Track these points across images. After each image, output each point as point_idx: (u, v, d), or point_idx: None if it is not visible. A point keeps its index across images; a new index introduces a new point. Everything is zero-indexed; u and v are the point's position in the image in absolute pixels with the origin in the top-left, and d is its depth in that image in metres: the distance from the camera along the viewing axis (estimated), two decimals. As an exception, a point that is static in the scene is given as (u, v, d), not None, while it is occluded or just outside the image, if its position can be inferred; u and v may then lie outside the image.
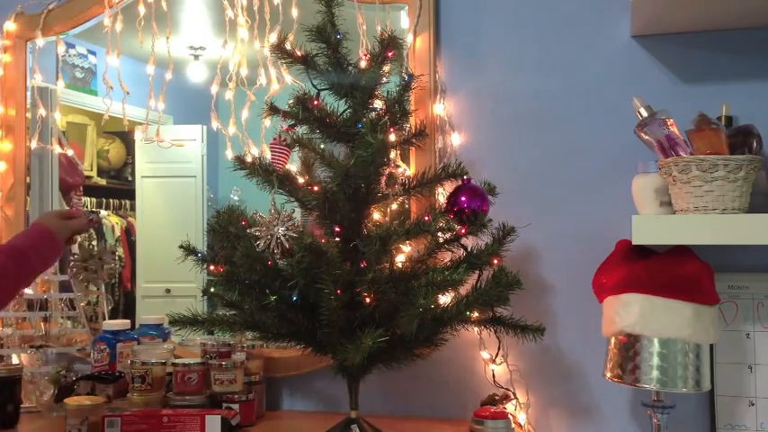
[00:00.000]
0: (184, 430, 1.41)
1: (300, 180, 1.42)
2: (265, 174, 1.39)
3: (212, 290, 1.42)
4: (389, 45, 1.42)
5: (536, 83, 1.68)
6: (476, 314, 1.40)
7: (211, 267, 1.41)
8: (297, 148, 1.45)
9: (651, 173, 1.42)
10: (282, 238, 1.26)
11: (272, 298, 1.32)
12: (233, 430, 1.48)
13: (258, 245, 1.28)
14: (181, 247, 1.45)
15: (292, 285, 1.28)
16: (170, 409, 1.48)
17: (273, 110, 1.48)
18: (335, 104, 1.43)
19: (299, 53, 1.44)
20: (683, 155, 1.33)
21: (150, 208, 2.42)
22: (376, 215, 1.44)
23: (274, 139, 1.46)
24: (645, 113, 1.41)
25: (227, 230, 1.38)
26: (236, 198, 1.47)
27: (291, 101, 1.43)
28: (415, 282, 1.36)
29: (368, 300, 1.31)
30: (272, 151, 1.45)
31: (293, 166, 1.46)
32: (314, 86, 1.44)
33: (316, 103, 1.41)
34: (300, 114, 1.40)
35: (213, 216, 1.47)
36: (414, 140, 1.47)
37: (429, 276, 1.32)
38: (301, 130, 1.45)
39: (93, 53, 2.23)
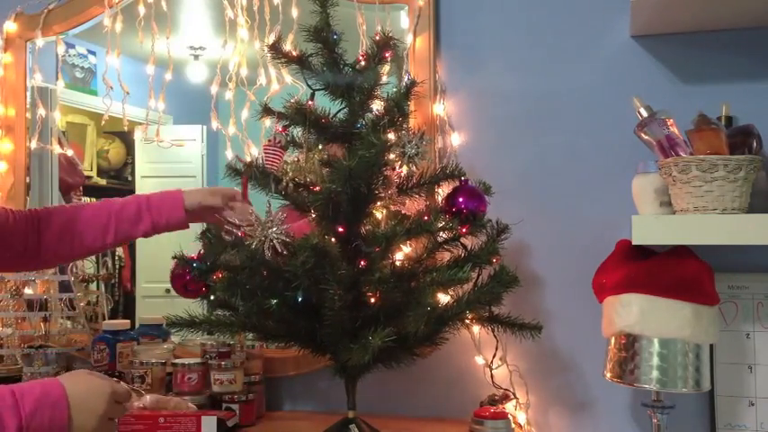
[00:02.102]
0: (180, 431, 1.41)
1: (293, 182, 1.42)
2: (263, 177, 1.39)
3: (212, 297, 1.42)
4: (385, 46, 1.42)
5: (536, 83, 1.68)
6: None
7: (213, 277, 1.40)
8: (291, 149, 1.45)
9: (651, 173, 1.42)
10: (275, 241, 1.27)
11: (273, 302, 1.32)
12: (230, 431, 1.48)
13: (250, 244, 1.28)
14: (174, 257, 1.44)
15: (296, 287, 1.28)
16: (166, 410, 1.48)
17: (267, 111, 1.48)
18: (330, 105, 1.43)
19: (294, 53, 1.44)
20: (682, 155, 1.33)
21: (150, 208, 2.41)
22: (377, 215, 1.44)
23: (269, 140, 1.46)
24: (645, 113, 1.41)
25: (222, 240, 1.38)
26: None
27: (287, 103, 1.43)
28: (414, 281, 1.36)
29: (373, 300, 1.31)
30: (265, 153, 1.45)
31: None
32: (309, 87, 1.45)
33: (310, 104, 1.41)
34: (294, 114, 1.41)
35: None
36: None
37: (434, 275, 1.32)
38: (295, 131, 1.46)
39: (93, 53, 2.23)
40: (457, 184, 1.46)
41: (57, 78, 2.00)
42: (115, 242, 1.42)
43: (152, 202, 1.42)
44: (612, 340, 1.44)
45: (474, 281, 1.40)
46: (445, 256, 1.47)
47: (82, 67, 2.21)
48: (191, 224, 1.47)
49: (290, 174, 1.40)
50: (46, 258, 1.41)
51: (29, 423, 0.98)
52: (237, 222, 1.37)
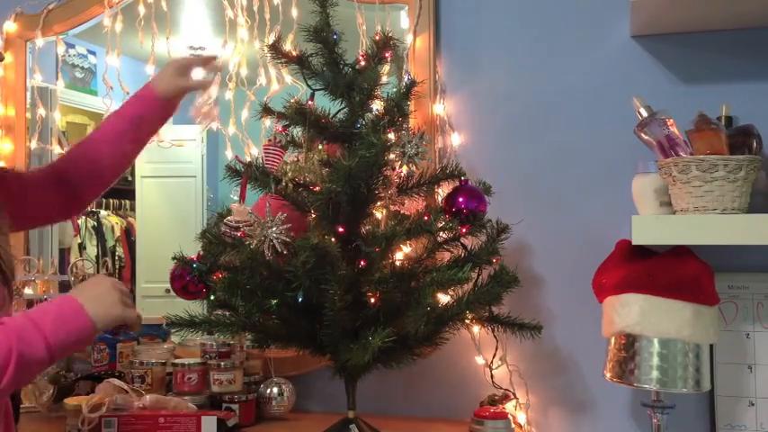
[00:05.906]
0: (180, 431, 1.41)
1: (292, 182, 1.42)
2: (263, 177, 1.39)
3: (212, 297, 1.42)
4: (385, 46, 1.42)
5: (536, 83, 1.68)
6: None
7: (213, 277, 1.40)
8: (291, 149, 1.45)
9: (651, 173, 1.42)
10: (275, 241, 1.27)
11: (273, 302, 1.32)
12: (230, 431, 1.48)
13: (250, 244, 1.28)
14: (174, 258, 1.44)
15: (296, 287, 1.28)
16: (166, 410, 1.48)
17: (267, 111, 1.48)
18: (330, 105, 1.43)
19: (294, 53, 1.44)
20: (682, 155, 1.33)
21: (150, 208, 2.42)
22: (377, 215, 1.44)
23: (269, 140, 1.47)
24: (645, 113, 1.41)
25: (223, 240, 1.37)
26: (235, 198, 1.46)
27: (287, 103, 1.43)
28: (414, 281, 1.36)
29: (373, 300, 1.31)
30: (265, 153, 1.45)
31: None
32: (309, 87, 1.45)
33: (310, 104, 1.42)
34: (294, 114, 1.40)
35: (211, 222, 1.46)
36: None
37: (434, 276, 1.32)
38: (295, 131, 1.46)
39: (93, 53, 2.23)
40: (457, 184, 1.46)
41: (57, 78, 2.00)
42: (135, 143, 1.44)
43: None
44: (612, 340, 1.44)
45: (474, 281, 1.40)
46: (445, 256, 1.47)
47: (82, 67, 2.21)
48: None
49: (290, 174, 1.40)
50: (83, 197, 1.46)
51: (55, 340, 1.03)
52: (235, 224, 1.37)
